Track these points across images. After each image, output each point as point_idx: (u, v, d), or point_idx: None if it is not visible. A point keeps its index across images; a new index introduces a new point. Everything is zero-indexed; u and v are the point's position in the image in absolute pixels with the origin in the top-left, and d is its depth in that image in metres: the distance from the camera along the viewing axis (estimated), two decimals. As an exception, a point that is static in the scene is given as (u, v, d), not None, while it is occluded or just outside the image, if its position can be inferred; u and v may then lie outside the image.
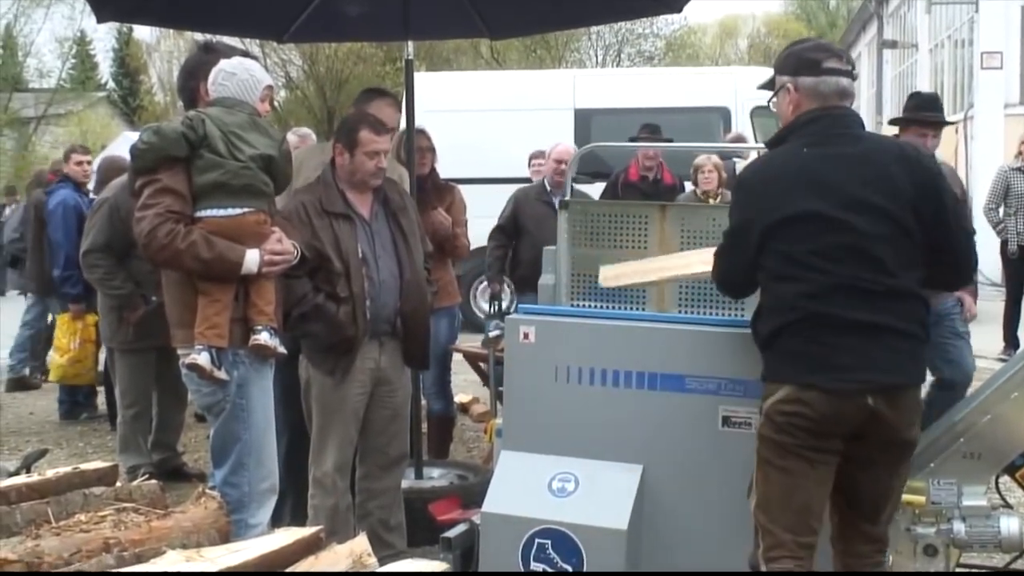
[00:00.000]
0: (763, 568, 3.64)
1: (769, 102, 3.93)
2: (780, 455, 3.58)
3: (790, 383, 3.57)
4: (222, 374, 4.31)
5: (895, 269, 3.55)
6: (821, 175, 3.61)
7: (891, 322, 3.54)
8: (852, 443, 3.59)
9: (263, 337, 4.37)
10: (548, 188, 7.91)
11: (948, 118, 7.90)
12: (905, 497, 4.43)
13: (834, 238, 3.54)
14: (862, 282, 3.51)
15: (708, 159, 9.02)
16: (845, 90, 3.77)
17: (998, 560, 4.85)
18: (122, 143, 17.53)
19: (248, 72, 4.48)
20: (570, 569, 4.07)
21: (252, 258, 4.33)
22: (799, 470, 3.57)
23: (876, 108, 30.61)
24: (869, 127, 9.79)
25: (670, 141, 10.25)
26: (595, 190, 10.01)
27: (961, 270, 3.86)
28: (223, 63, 4.47)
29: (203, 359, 4.25)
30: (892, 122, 6.70)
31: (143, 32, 47.17)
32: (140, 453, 7.30)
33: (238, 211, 4.34)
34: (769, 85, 3.95)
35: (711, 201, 8.51)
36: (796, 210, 3.57)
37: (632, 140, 9.91)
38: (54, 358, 8.83)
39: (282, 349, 4.47)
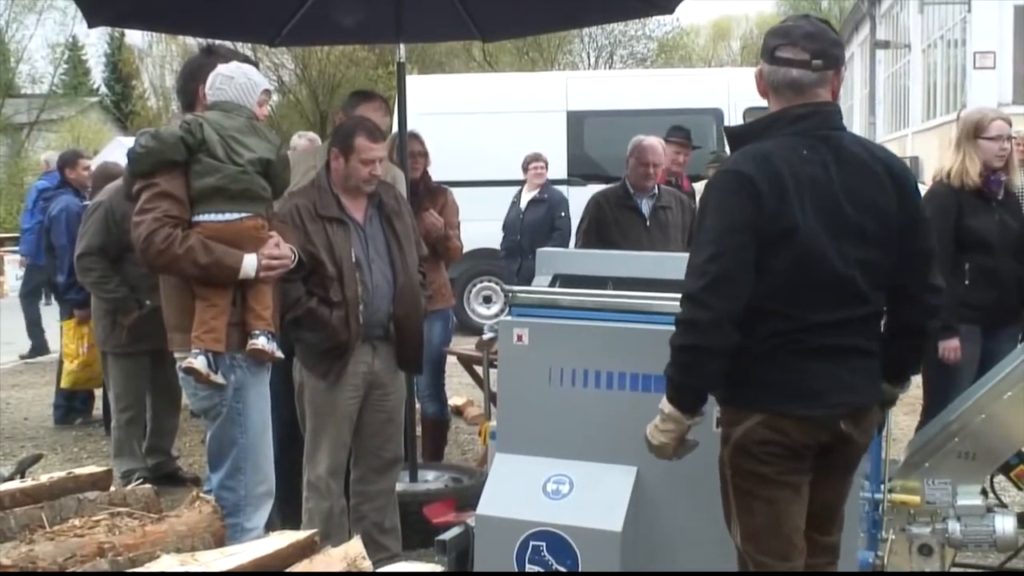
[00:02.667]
0: None
1: None
2: (764, 486, 3.40)
3: (761, 411, 3.36)
4: (219, 378, 4.31)
5: (869, 295, 3.41)
6: (816, 188, 3.33)
7: (857, 343, 3.42)
8: (818, 459, 3.46)
9: (260, 342, 4.37)
10: (632, 191, 6.98)
11: (942, 118, 7.90)
12: (900, 497, 4.45)
13: (819, 273, 3.32)
14: (839, 316, 3.36)
15: None
16: (795, 82, 3.39)
17: (993, 559, 4.86)
18: (115, 148, 17.54)
19: (246, 76, 4.48)
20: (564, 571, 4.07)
21: (250, 263, 4.33)
22: (785, 497, 3.41)
23: (869, 109, 30.65)
24: (861, 128, 9.80)
25: (698, 147, 9.70)
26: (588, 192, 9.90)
27: (931, 290, 3.62)
28: (220, 67, 4.46)
29: (199, 363, 4.25)
30: None
31: (135, 37, 47.09)
32: (135, 458, 7.29)
33: (236, 216, 4.33)
34: None
35: None
36: (791, 224, 3.29)
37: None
38: (65, 365, 8.81)
39: (279, 354, 4.48)
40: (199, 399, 4.45)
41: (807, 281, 3.32)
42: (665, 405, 3.40)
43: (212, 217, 4.31)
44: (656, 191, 6.94)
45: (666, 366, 3.36)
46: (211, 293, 4.31)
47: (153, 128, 4.59)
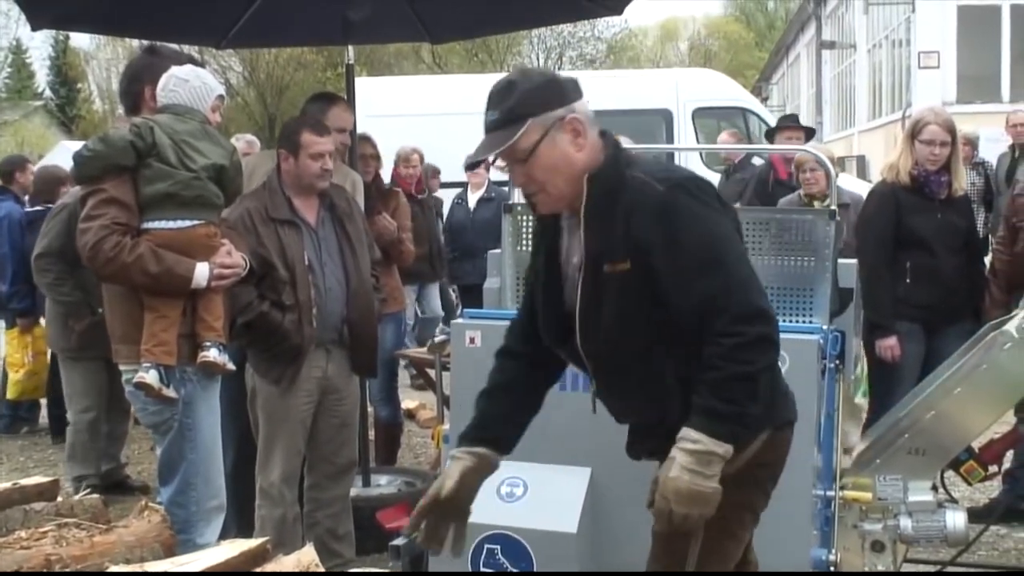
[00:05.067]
0: None
1: None
2: (752, 517, 3.19)
3: (767, 428, 3.10)
4: (171, 392, 4.20)
5: None
6: None
7: None
8: None
9: (212, 354, 4.26)
10: None
11: (887, 117, 7.98)
12: (852, 494, 4.48)
13: None
14: None
15: (811, 155, 7.04)
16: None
17: (944, 554, 4.90)
18: (60, 153, 17.34)
19: (201, 80, 4.38)
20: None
21: (202, 272, 4.22)
22: (749, 531, 3.24)
23: (816, 108, 30.91)
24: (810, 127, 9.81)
25: (813, 133, 9.47)
26: None
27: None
28: (175, 69, 4.35)
29: (151, 377, 4.13)
30: None
31: (81, 40, 46.70)
32: (88, 463, 7.18)
33: (188, 223, 4.22)
34: None
35: (816, 204, 6.91)
36: None
37: (771, 132, 9.19)
38: (10, 375, 8.69)
39: (231, 366, 4.38)
40: (148, 414, 4.34)
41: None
42: (718, 447, 2.88)
43: (163, 224, 4.19)
44: None
45: (723, 400, 2.90)
46: (161, 304, 4.19)
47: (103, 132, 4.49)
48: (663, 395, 3.07)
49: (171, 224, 4.20)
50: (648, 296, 2.97)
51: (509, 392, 3.36)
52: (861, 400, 5.67)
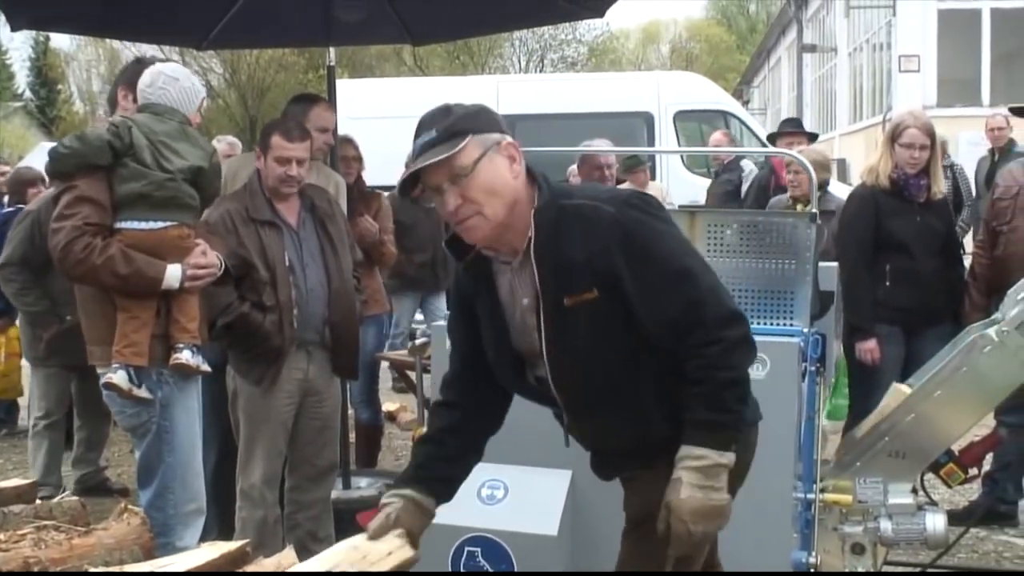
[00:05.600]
0: None
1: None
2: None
3: (748, 424, 3.09)
4: (143, 392, 4.18)
5: None
6: None
7: None
8: None
9: (184, 356, 4.24)
10: None
11: (868, 120, 7.99)
12: (832, 496, 4.49)
13: None
14: None
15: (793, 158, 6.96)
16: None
17: (924, 556, 4.91)
18: (39, 154, 17.23)
19: (190, 81, 4.38)
20: None
21: (173, 273, 4.20)
22: None
23: (797, 111, 31.00)
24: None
25: (815, 137, 9.45)
26: None
27: None
28: (163, 67, 4.34)
29: (119, 378, 4.12)
30: None
31: (61, 41, 46.53)
32: (48, 472, 7.07)
33: (160, 224, 4.20)
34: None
35: (799, 207, 6.91)
36: None
37: (774, 136, 9.08)
38: None
39: (205, 367, 4.35)
40: (126, 416, 4.33)
41: None
42: (722, 457, 2.88)
43: (134, 225, 4.18)
44: None
45: (718, 410, 2.90)
46: (133, 305, 4.17)
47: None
48: (644, 415, 3.05)
49: (143, 225, 4.19)
50: (620, 319, 2.93)
51: (451, 434, 3.25)
52: (826, 423, 5.69)
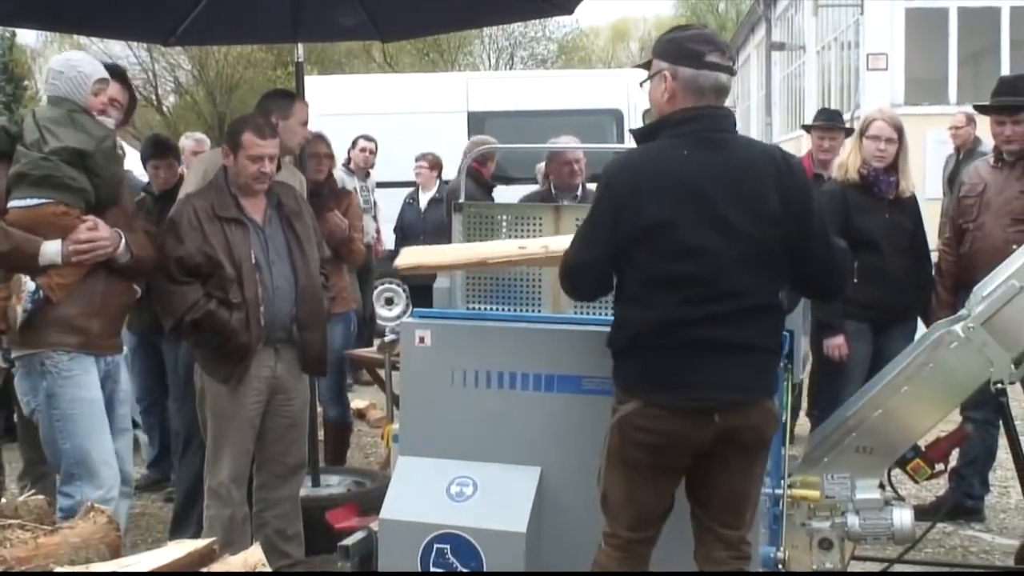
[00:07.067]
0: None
1: (641, 84, 3.77)
2: (623, 465, 3.61)
3: (638, 399, 3.54)
4: None
5: (751, 289, 3.49)
6: (695, 185, 3.47)
7: (741, 338, 3.48)
8: (703, 456, 3.56)
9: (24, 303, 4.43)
10: (554, 193, 7.07)
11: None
12: (800, 492, 4.50)
13: (690, 267, 3.44)
14: (713, 311, 3.44)
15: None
16: (723, 87, 3.61)
17: (891, 551, 4.94)
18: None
19: (76, 69, 4.58)
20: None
21: (51, 248, 4.39)
22: (639, 481, 3.61)
23: (765, 109, 31.06)
24: (758, 128, 9.91)
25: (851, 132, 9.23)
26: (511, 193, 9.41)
27: (830, 280, 3.78)
28: (53, 62, 4.65)
29: None
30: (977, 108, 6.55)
31: (28, 37, 46.05)
32: None
33: (36, 201, 4.41)
34: (646, 66, 3.74)
35: None
36: (659, 219, 3.44)
37: (808, 127, 8.64)
38: None
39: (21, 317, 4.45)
40: (24, 402, 4.55)
41: (671, 275, 3.45)
42: None
43: (15, 203, 4.42)
44: (581, 191, 6.96)
45: None
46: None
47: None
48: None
49: (22, 203, 4.42)
50: None
51: None
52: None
